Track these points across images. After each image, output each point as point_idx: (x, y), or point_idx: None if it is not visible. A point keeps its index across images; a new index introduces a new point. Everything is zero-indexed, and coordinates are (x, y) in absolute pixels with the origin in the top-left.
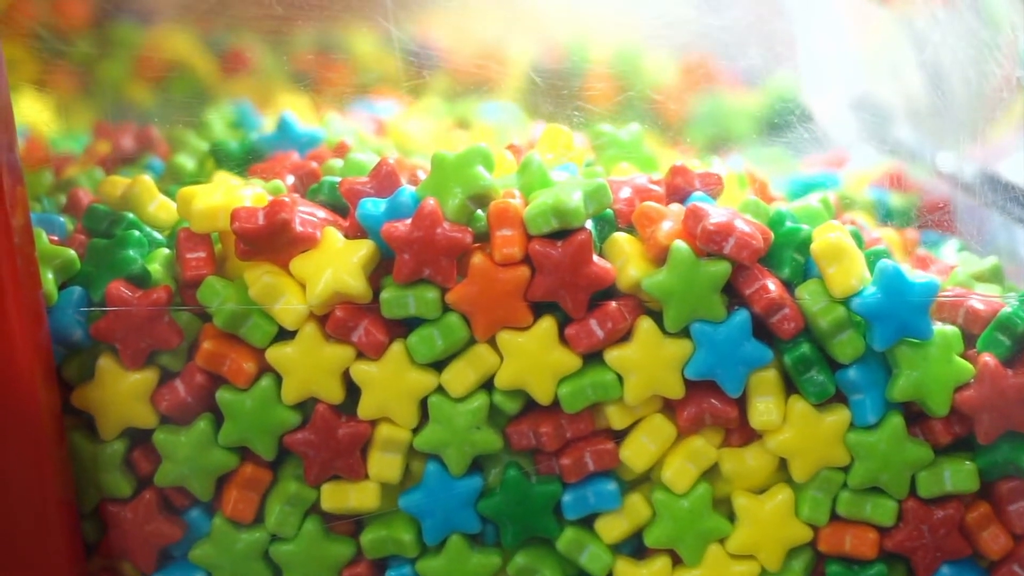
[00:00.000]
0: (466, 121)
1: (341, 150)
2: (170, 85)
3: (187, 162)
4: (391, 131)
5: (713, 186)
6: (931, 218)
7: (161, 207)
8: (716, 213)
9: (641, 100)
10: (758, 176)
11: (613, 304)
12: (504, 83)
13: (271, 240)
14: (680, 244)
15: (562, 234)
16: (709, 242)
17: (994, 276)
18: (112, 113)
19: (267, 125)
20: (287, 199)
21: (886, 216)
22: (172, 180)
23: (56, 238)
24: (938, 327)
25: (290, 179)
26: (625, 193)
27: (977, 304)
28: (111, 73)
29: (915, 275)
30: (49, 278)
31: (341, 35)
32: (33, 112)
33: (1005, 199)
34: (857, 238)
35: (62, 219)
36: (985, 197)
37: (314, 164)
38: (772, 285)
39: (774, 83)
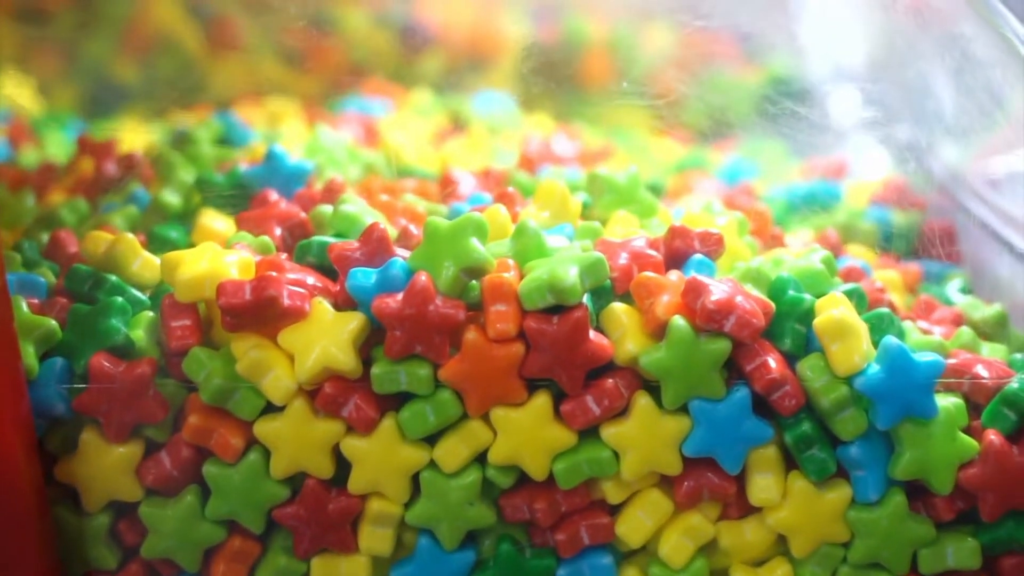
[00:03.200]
0: (459, 117)
1: (331, 192)
2: (156, 61)
3: (172, 198)
4: (383, 143)
5: (713, 247)
6: (932, 246)
7: (145, 265)
8: (716, 289)
9: (637, 82)
10: (759, 209)
11: (610, 381)
12: (498, 65)
13: (258, 314)
14: (679, 321)
15: (558, 308)
16: (709, 320)
17: (999, 325)
18: (96, 92)
19: (254, 140)
20: (274, 273)
21: (888, 242)
22: (157, 217)
23: (36, 301)
24: (942, 402)
25: (278, 231)
26: (622, 259)
27: (983, 372)
28: (95, 50)
29: (920, 354)
30: (30, 351)
31: (332, 11)
32: (15, 92)
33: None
34: (860, 298)
35: (42, 280)
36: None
37: (303, 214)
38: (773, 362)
39: (774, 63)
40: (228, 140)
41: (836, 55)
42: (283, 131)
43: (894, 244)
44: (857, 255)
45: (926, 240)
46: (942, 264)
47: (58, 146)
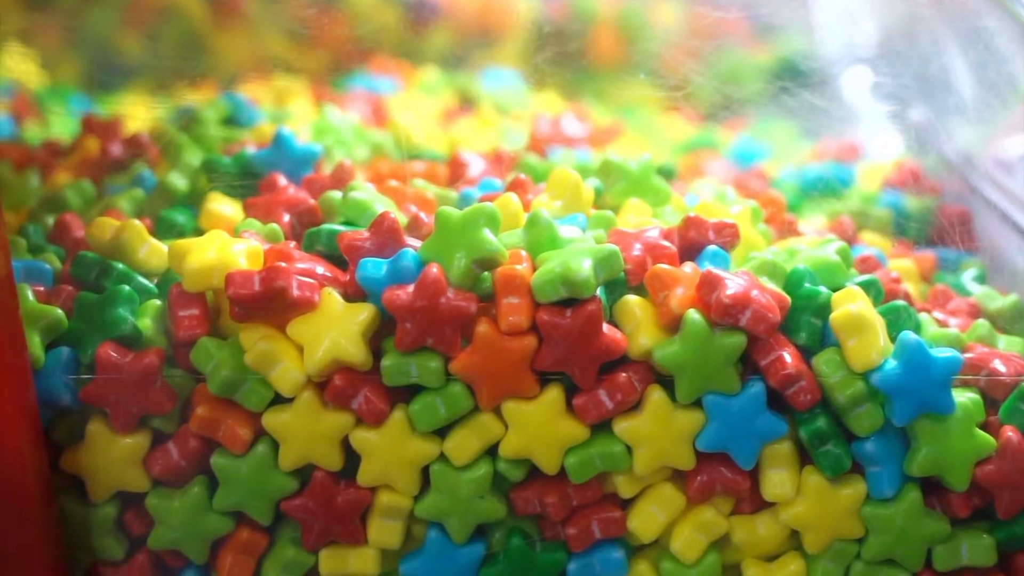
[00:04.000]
0: (467, 95)
1: (340, 177)
2: (161, 35)
3: (179, 181)
4: (392, 124)
5: (728, 238)
6: (948, 234)
7: (152, 252)
8: (732, 282)
9: (647, 61)
10: (772, 196)
11: (623, 375)
12: (506, 42)
13: (267, 305)
14: (694, 315)
15: (571, 301)
16: (725, 315)
17: (1016, 316)
18: (100, 67)
19: (261, 121)
20: (283, 263)
21: (902, 227)
22: (164, 200)
23: (42, 288)
24: (959, 398)
25: (286, 217)
26: (636, 251)
27: (1000, 367)
28: (99, 24)
29: (938, 350)
30: (36, 341)
31: None
32: (19, 67)
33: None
34: (877, 291)
35: (48, 267)
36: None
37: (312, 201)
38: (788, 357)
39: (787, 45)
40: (235, 120)
41: (848, 37)
42: (290, 110)
43: (909, 231)
44: (872, 243)
45: (941, 227)
46: (957, 252)
47: (62, 123)
